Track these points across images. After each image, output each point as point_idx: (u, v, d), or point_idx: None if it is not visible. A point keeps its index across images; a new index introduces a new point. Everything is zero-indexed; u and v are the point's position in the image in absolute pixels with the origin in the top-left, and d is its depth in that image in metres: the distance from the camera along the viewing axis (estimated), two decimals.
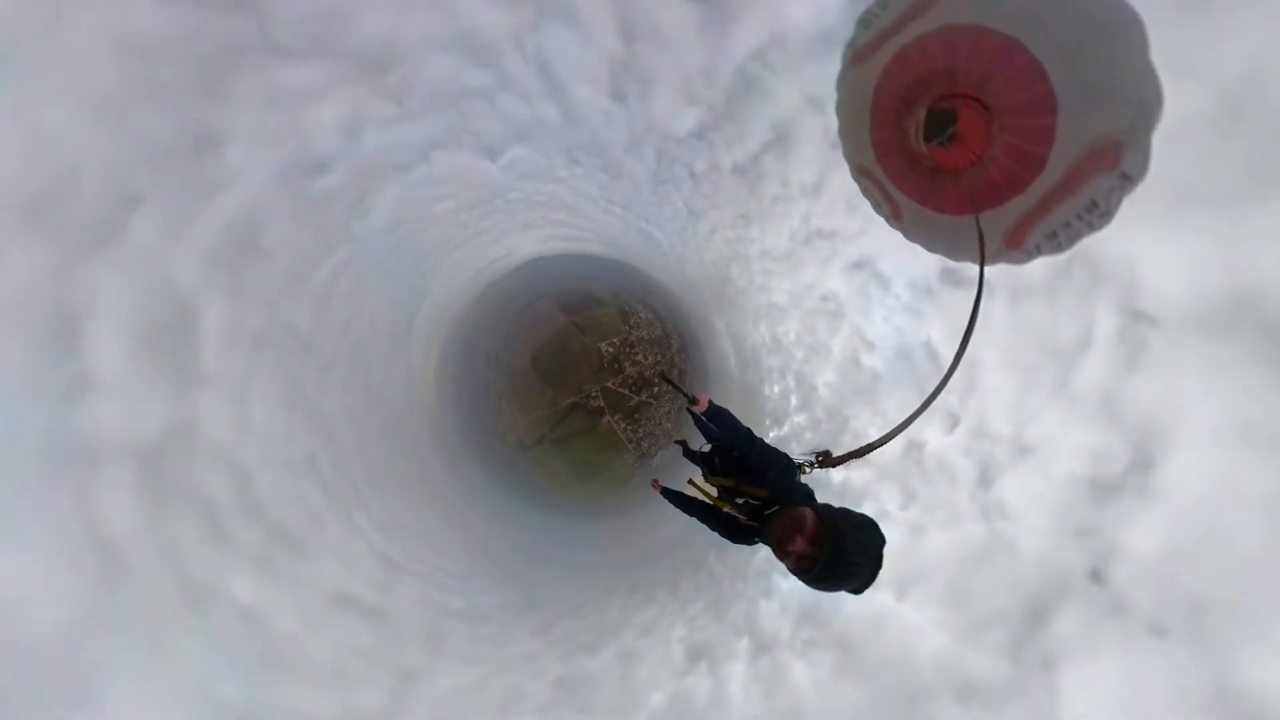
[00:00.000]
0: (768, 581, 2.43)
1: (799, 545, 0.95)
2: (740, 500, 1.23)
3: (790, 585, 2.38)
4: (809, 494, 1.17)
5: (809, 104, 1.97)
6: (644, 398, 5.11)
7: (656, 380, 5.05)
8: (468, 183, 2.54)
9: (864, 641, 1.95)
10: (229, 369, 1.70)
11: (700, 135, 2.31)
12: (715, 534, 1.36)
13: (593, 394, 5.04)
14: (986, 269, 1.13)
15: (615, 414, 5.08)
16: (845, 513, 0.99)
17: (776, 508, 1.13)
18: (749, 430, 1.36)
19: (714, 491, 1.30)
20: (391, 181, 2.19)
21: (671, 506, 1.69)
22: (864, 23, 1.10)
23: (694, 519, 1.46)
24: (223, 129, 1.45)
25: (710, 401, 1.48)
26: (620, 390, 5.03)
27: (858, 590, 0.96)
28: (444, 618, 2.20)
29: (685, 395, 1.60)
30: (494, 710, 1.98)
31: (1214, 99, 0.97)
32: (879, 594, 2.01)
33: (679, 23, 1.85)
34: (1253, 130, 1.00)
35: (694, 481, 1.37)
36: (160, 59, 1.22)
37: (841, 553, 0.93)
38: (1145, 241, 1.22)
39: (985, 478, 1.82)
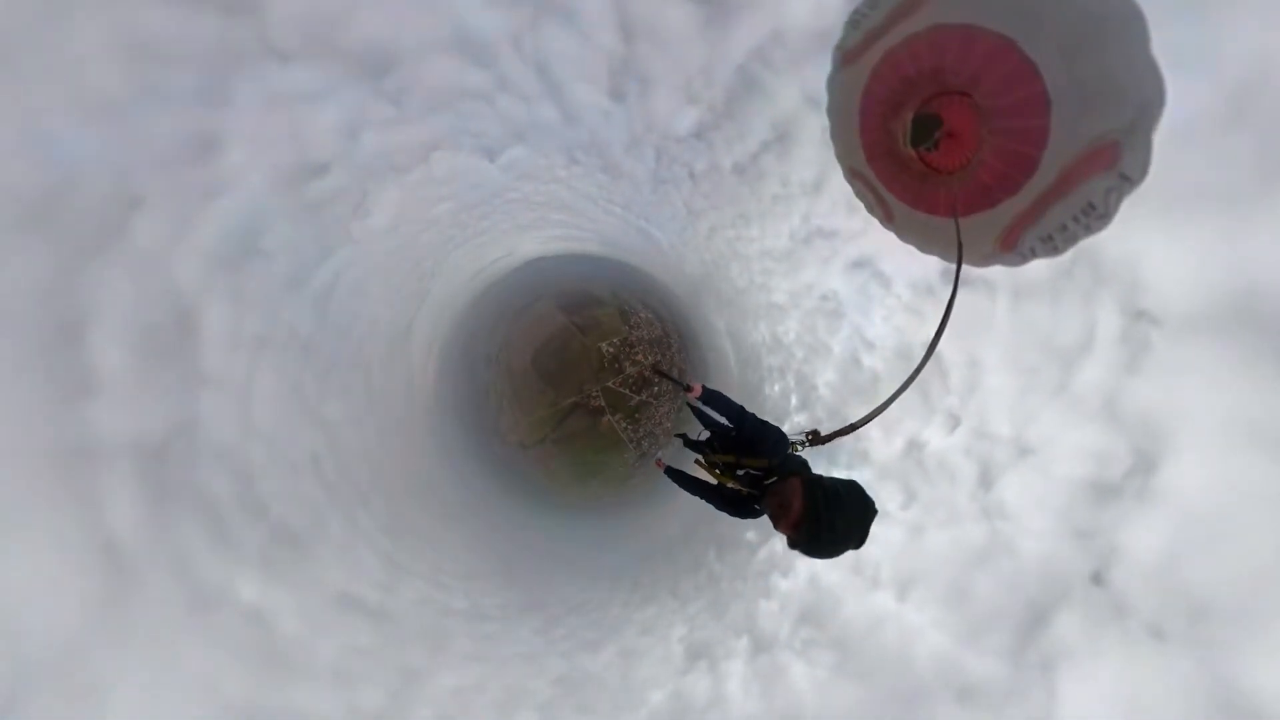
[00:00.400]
0: (767, 581, 2.44)
1: (784, 529, 1.06)
2: (741, 472, 1.32)
3: (789, 586, 2.38)
4: (803, 463, 1.25)
5: (809, 103, 1.96)
6: (644, 397, 5.13)
7: (653, 377, 5.08)
8: (467, 183, 2.54)
9: (863, 642, 1.95)
10: (231, 371, 1.71)
11: (700, 135, 2.30)
12: (722, 513, 1.44)
13: (593, 394, 5.05)
14: (987, 268, 1.13)
15: (616, 413, 5.10)
16: (834, 493, 1.06)
17: (775, 478, 1.22)
18: (741, 406, 1.48)
19: (717, 470, 1.39)
20: (391, 183, 2.19)
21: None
22: (852, 23, 1.07)
23: (699, 498, 1.56)
24: (223, 131, 1.45)
25: (704, 386, 1.59)
26: (620, 390, 5.05)
27: (854, 548, 1.07)
28: (446, 617, 2.22)
29: (680, 385, 1.74)
30: (496, 708, 1.99)
31: (1217, 95, 0.96)
32: (878, 594, 2.01)
33: (678, 22, 1.84)
34: (1257, 126, 0.99)
35: (700, 461, 1.47)
36: (161, 62, 1.22)
37: (820, 537, 1.02)
38: (1148, 240, 1.21)
39: (986, 478, 1.81)
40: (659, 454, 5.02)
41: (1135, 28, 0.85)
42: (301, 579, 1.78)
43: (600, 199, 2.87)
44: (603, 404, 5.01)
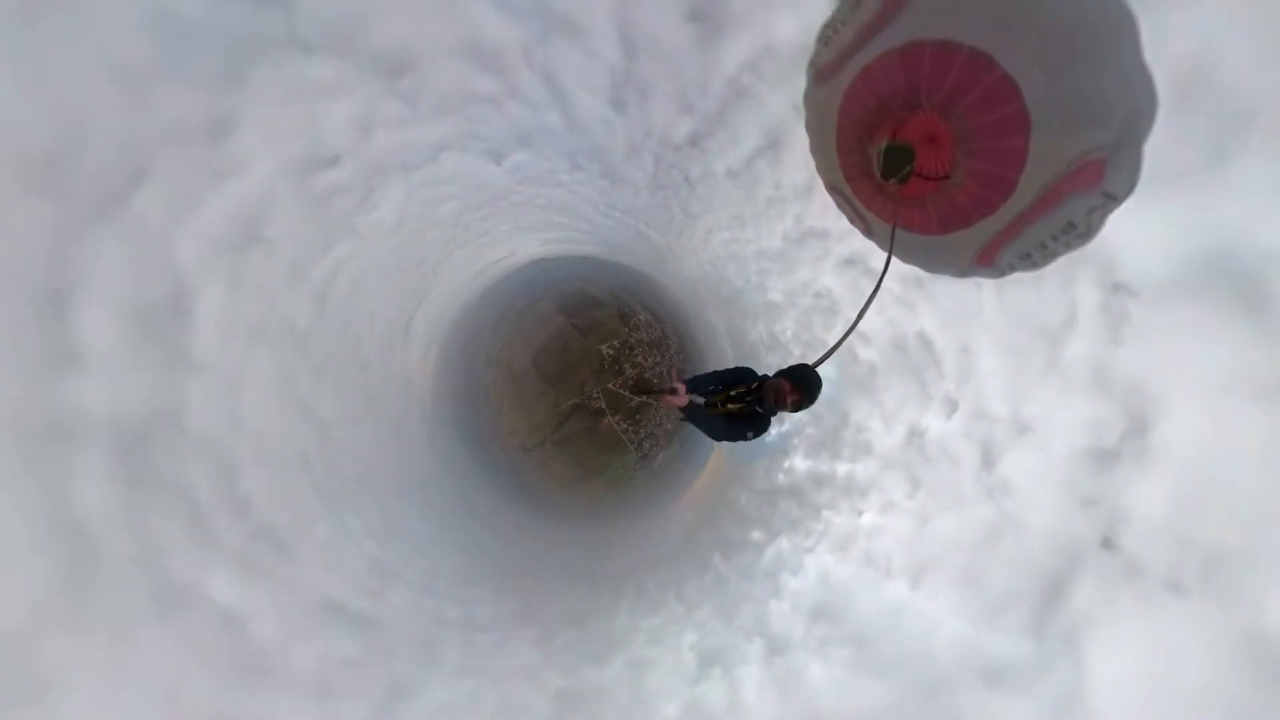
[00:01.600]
0: (776, 581, 2.36)
1: (793, 400, 1.66)
2: (734, 393, 1.93)
3: (799, 584, 2.30)
4: (765, 375, 1.86)
5: (798, 112, 2.11)
6: (645, 398, 5.11)
7: (640, 396, 5.05)
8: (472, 184, 2.61)
9: (880, 635, 1.88)
10: (222, 358, 1.65)
11: (695, 142, 2.45)
12: (736, 445, 2.06)
13: (594, 395, 5.00)
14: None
15: (616, 415, 5.03)
16: (798, 369, 1.69)
17: (756, 386, 1.86)
18: (712, 372, 2.16)
19: (717, 406, 1.98)
20: (398, 180, 2.23)
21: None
22: (824, 39, 1.04)
23: (722, 437, 2.10)
24: (238, 115, 1.48)
25: (685, 383, 2.13)
26: (621, 391, 5.03)
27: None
28: (437, 626, 2.05)
29: (667, 392, 2.14)
30: None
31: (1169, 83, 1.07)
32: (891, 585, 1.96)
33: (675, 38, 2.00)
34: (1205, 110, 1.12)
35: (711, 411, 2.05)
36: (186, 39, 1.26)
37: (812, 391, 1.67)
38: (1119, 217, 1.32)
39: (988, 459, 1.84)
40: (656, 475, 4.95)
41: (1125, 34, 0.82)
42: (282, 581, 1.63)
43: (601, 203, 2.98)
44: (603, 405, 4.96)
